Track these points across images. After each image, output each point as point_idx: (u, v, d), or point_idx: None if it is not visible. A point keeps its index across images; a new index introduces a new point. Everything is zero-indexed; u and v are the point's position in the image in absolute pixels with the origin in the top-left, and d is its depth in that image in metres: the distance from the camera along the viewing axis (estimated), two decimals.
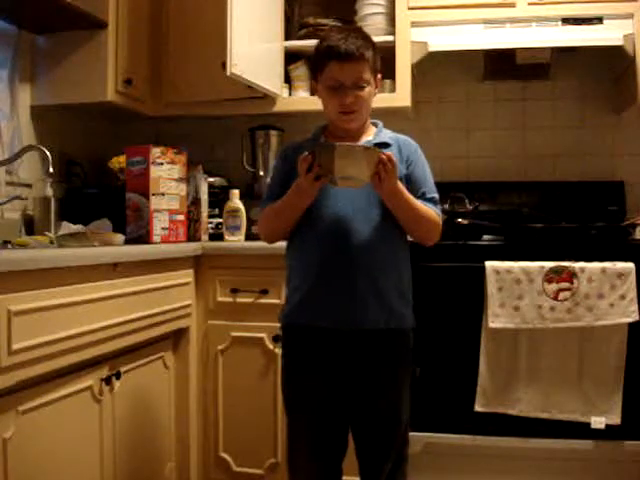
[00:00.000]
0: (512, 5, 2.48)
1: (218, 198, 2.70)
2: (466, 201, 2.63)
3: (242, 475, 2.33)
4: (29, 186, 2.46)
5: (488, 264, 2.14)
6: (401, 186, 1.63)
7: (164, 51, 2.75)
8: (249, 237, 2.54)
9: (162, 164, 2.29)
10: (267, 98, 2.66)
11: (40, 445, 1.58)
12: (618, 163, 2.76)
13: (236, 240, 2.50)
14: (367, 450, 1.74)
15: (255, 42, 2.42)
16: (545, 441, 2.14)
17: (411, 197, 1.66)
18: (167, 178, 2.32)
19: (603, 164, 2.76)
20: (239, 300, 2.32)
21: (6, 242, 2.03)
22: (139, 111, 2.74)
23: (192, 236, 2.50)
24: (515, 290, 2.11)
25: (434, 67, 2.76)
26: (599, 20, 2.43)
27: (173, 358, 2.29)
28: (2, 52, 2.43)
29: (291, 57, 2.72)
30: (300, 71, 2.73)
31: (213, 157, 2.95)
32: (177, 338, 2.29)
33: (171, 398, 2.27)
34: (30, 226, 2.40)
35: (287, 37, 2.70)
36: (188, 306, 2.28)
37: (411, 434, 1.83)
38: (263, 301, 2.30)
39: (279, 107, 2.70)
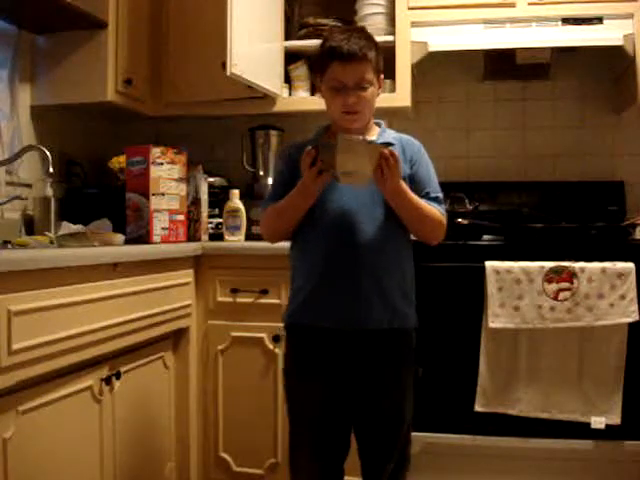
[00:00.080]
0: (512, 5, 2.48)
1: (218, 198, 2.70)
2: (466, 201, 2.63)
3: (242, 475, 2.33)
4: (29, 186, 2.46)
5: (488, 264, 2.14)
6: (404, 185, 1.63)
7: (164, 51, 2.75)
8: (249, 237, 2.54)
9: (162, 164, 2.29)
10: (267, 98, 2.65)
11: (40, 445, 1.58)
12: (618, 163, 2.75)
13: (236, 240, 2.51)
14: (370, 450, 1.73)
15: (255, 42, 2.42)
16: (545, 441, 2.14)
17: (415, 196, 1.65)
18: (167, 178, 2.32)
19: (603, 164, 2.75)
20: (239, 300, 2.32)
21: (6, 242, 2.03)
22: (139, 111, 2.74)
23: (192, 236, 2.50)
24: (515, 290, 2.11)
25: (434, 67, 2.76)
26: (599, 20, 2.43)
27: (173, 358, 2.29)
28: (2, 52, 2.43)
29: (291, 57, 2.72)
30: (300, 71, 2.73)
31: (213, 157, 2.95)
32: (177, 338, 2.29)
33: (171, 398, 2.27)
34: (30, 226, 2.40)
35: (287, 37, 2.70)
36: (188, 306, 2.28)
37: (411, 434, 1.82)
38: (263, 301, 2.30)
39: (279, 107, 2.70)
